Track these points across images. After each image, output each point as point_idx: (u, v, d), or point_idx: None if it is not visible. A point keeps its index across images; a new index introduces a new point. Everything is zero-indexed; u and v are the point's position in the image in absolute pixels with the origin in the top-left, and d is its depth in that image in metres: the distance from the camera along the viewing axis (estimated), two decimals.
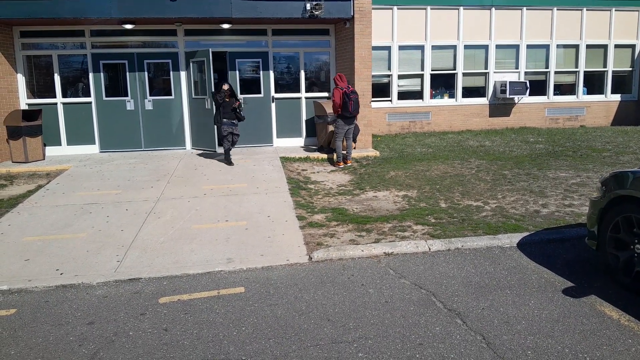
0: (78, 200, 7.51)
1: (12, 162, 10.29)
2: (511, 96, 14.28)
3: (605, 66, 15.28)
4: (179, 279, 4.81)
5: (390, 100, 14.05)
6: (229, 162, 9.70)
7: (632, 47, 15.34)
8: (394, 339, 3.60)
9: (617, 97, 15.43)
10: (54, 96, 11.05)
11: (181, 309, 4.17)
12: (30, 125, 10.21)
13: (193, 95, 11.37)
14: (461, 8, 14.00)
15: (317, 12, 10.29)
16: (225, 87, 9.42)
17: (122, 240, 5.86)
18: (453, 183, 8.23)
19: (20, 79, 10.83)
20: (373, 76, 12.43)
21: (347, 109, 9.49)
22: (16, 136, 10.10)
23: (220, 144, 10.50)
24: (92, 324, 3.95)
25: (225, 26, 10.89)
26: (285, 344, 3.57)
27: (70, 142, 11.24)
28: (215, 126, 9.66)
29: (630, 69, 15.43)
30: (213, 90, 10.53)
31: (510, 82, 14.20)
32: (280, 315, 4.00)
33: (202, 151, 11.27)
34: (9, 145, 10.26)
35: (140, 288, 4.64)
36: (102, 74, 11.09)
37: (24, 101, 10.90)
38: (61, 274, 4.95)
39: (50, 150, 11.06)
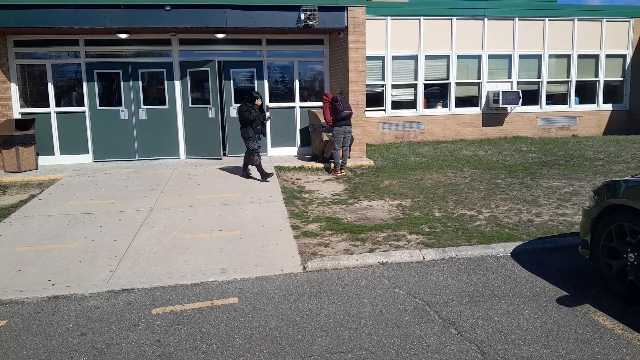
0: (71, 210, 7.46)
1: (5, 171, 10.23)
2: (504, 106, 14.38)
3: (596, 76, 15.44)
4: (172, 290, 4.78)
5: (384, 110, 14.12)
6: (265, 176, 9.04)
7: (623, 57, 15.52)
8: (388, 349, 3.58)
9: (609, 107, 15.58)
10: (48, 105, 11.02)
11: (174, 320, 4.13)
12: (23, 135, 10.16)
13: (190, 105, 11.39)
14: (454, 18, 14.14)
15: (311, 23, 10.35)
16: (259, 102, 9.10)
17: (115, 250, 5.82)
18: (447, 192, 8.25)
19: (14, 88, 10.80)
20: (367, 86, 12.50)
21: (339, 110, 9.58)
22: (9, 145, 10.04)
23: (222, 153, 10.50)
24: (84, 335, 3.91)
25: (220, 36, 10.93)
26: (279, 355, 3.55)
27: (63, 151, 11.20)
28: (246, 140, 9.08)
29: (622, 78, 15.59)
30: (215, 100, 10.56)
31: (503, 91, 14.31)
32: (274, 326, 3.98)
33: (197, 160, 11.26)
34: (1, 155, 10.21)
35: (133, 299, 4.60)
36: (96, 84, 11.08)
37: (17, 110, 10.87)
38: (53, 284, 4.90)
39: (44, 160, 11.01)
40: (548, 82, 15.12)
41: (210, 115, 11.19)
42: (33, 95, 11.08)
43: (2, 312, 4.38)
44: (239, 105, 9.31)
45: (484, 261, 5.30)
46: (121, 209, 7.42)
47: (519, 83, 14.87)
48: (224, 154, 11.64)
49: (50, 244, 6.07)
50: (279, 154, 11.93)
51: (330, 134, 10.17)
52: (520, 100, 14.46)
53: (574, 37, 15.03)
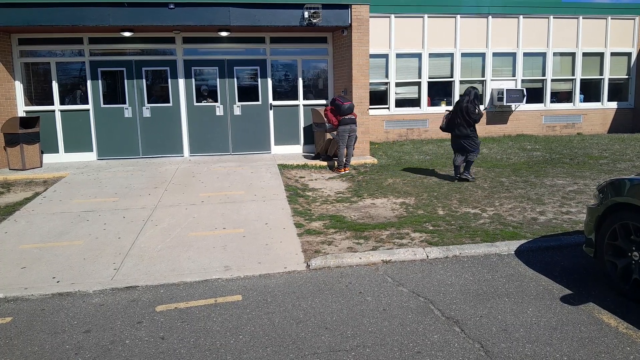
0: (75, 207, 7.49)
1: (9, 169, 10.27)
2: (508, 104, 14.33)
3: (601, 74, 15.36)
4: (176, 287, 4.79)
5: (388, 108, 14.09)
6: (471, 177, 8.72)
7: (628, 55, 15.44)
8: (392, 347, 3.58)
9: (614, 105, 15.50)
10: (52, 103, 11.06)
11: (178, 317, 4.14)
12: (28, 133, 10.20)
13: (195, 102, 11.43)
14: (458, 16, 14.09)
15: (315, 21, 10.34)
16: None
17: (119, 247, 5.83)
18: (450, 190, 8.23)
19: (18, 86, 10.83)
20: (371, 84, 12.49)
21: (340, 105, 9.62)
22: (13, 143, 10.08)
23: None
24: (89, 333, 3.92)
25: (224, 34, 10.93)
26: (282, 352, 3.56)
27: (67, 149, 11.23)
28: (472, 139, 8.48)
29: (627, 76, 15.51)
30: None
31: (507, 89, 14.27)
32: (277, 324, 3.99)
33: (201, 158, 11.28)
34: (6, 153, 10.25)
35: (137, 296, 4.61)
36: (100, 82, 11.11)
37: (21, 108, 10.91)
38: (58, 282, 4.92)
39: (48, 158, 11.04)
40: (552, 80, 15.05)
41: (217, 113, 11.33)
42: (37, 93, 11.12)
43: (7, 309, 4.41)
44: (464, 104, 8.46)
45: (487, 259, 5.29)
46: (125, 207, 7.44)
47: (523, 81, 14.81)
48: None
49: (54, 241, 6.09)
50: (283, 151, 11.94)
51: (334, 132, 10.17)
52: (525, 99, 14.41)
53: (579, 35, 14.96)
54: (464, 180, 8.74)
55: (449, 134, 8.99)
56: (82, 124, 11.19)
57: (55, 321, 4.14)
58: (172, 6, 9.87)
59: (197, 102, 11.46)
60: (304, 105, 11.95)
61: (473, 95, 8.49)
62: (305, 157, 11.36)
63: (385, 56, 13.88)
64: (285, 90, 12.01)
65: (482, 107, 8.72)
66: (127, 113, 11.29)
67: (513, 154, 11.56)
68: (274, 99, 11.83)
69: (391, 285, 4.69)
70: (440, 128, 9.07)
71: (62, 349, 3.68)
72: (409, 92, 14.30)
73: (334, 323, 3.97)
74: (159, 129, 11.43)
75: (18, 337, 3.89)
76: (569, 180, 8.76)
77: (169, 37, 11.16)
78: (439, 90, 14.49)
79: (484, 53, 14.45)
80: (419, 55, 14.09)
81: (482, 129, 14.62)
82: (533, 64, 14.92)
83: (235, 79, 11.55)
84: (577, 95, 15.26)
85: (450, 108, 9.36)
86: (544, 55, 14.88)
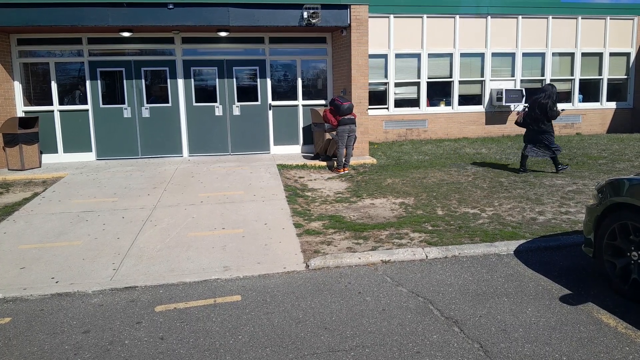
0: (74, 208, 7.49)
1: (8, 169, 10.26)
2: (507, 104, 14.34)
3: (600, 74, 15.38)
4: (175, 287, 4.79)
5: (387, 108, 14.10)
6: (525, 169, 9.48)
7: (627, 55, 15.46)
8: (391, 347, 3.58)
9: (613, 105, 15.52)
10: (51, 104, 11.05)
11: (177, 318, 4.14)
12: (27, 133, 10.19)
13: (194, 102, 11.43)
14: (457, 16, 14.10)
15: (314, 21, 10.35)
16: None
17: (118, 248, 5.83)
18: (450, 190, 8.24)
19: (17, 87, 10.83)
20: (370, 84, 12.50)
21: (339, 105, 9.61)
22: (12, 144, 10.08)
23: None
24: (88, 333, 3.92)
25: (223, 34, 10.93)
26: (282, 352, 3.56)
27: (66, 149, 11.23)
28: (547, 134, 8.99)
29: (625, 76, 15.53)
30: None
31: (506, 90, 14.28)
32: (277, 324, 3.99)
33: (200, 158, 11.28)
34: (5, 153, 10.24)
35: (137, 296, 4.61)
36: (99, 82, 11.11)
37: (20, 109, 10.90)
38: (57, 282, 4.92)
39: (47, 158, 11.04)
40: (552, 80, 15.05)
41: (217, 113, 11.35)
42: (36, 93, 11.11)
43: (6, 310, 4.40)
44: (542, 100, 8.89)
45: (486, 259, 5.29)
46: (124, 207, 7.44)
47: (522, 81, 14.83)
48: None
49: (53, 241, 6.09)
50: (282, 152, 11.94)
51: (333, 133, 10.18)
52: (524, 99, 14.41)
53: (578, 35, 14.98)
54: (529, 171, 9.40)
55: (524, 128, 9.52)
56: (81, 124, 11.19)
57: (54, 321, 4.13)
58: (171, 6, 9.87)
59: (196, 102, 11.46)
60: (303, 106, 11.96)
61: (553, 93, 8.94)
62: (305, 157, 11.37)
63: (385, 56, 13.89)
64: (284, 91, 12.01)
65: (559, 106, 9.16)
66: (126, 113, 11.29)
67: (512, 154, 11.57)
68: (273, 99, 11.83)
69: (390, 286, 4.69)
70: (516, 123, 9.59)
71: (61, 350, 3.68)
72: (408, 92, 14.31)
73: (333, 323, 3.97)
74: (158, 129, 11.42)
75: (17, 337, 3.89)
76: (567, 180, 8.77)
77: (168, 37, 11.15)
78: (438, 91, 14.49)
79: (483, 53, 14.47)
80: (418, 56, 14.10)
81: (482, 129, 14.66)
82: (532, 64, 14.94)
83: (234, 79, 11.55)
84: (576, 95, 15.28)
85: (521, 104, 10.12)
86: (543, 55, 14.90)
